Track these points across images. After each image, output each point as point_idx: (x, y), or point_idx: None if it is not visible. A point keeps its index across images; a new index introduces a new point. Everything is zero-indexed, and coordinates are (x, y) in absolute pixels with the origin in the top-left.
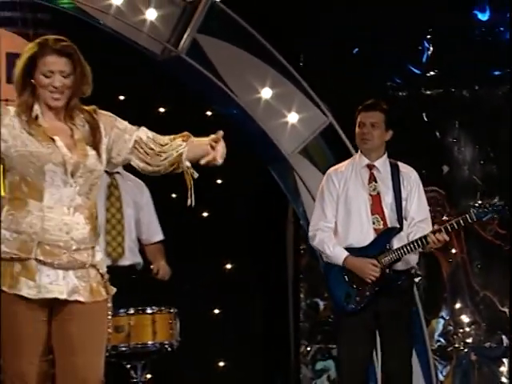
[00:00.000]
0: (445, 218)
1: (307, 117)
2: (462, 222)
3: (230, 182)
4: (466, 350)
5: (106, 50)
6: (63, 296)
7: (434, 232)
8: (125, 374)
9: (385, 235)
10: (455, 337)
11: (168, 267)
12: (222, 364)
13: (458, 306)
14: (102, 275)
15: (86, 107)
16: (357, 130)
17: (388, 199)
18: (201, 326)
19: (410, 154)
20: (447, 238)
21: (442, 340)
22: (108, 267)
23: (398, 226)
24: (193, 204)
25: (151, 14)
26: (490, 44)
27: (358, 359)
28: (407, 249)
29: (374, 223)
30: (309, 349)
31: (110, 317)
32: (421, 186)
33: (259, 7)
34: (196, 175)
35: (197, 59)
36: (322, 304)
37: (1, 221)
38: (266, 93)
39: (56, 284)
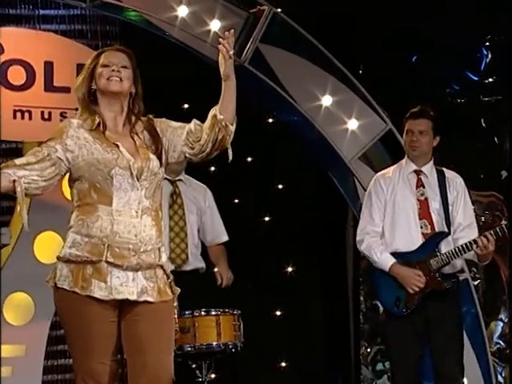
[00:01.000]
0: (503, 222)
1: (367, 123)
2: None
3: (291, 187)
4: None
5: (172, 60)
6: (133, 297)
7: (484, 236)
8: (190, 374)
9: (433, 240)
10: None
11: (231, 272)
12: (283, 364)
13: None
14: (167, 275)
15: (143, 118)
16: (404, 137)
17: (435, 204)
18: (263, 327)
19: (468, 160)
20: (493, 243)
21: (500, 342)
22: (173, 271)
23: (446, 230)
24: (230, 158)
25: (215, 25)
26: None
27: (409, 363)
28: (456, 252)
29: (421, 228)
30: (369, 350)
31: (175, 316)
32: (466, 191)
33: (319, 17)
34: (232, 128)
35: (259, 68)
36: (381, 306)
37: (71, 226)
38: (327, 100)
39: (126, 285)
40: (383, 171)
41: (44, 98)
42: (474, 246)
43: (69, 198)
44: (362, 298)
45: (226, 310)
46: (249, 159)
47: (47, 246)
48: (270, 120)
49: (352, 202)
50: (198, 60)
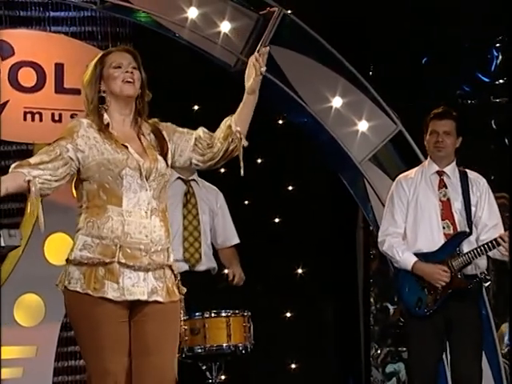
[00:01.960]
0: None
1: (377, 125)
2: None
3: (301, 189)
4: None
5: (181, 61)
6: (144, 297)
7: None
8: (200, 375)
9: (455, 239)
10: None
11: (242, 273)
12: (293, 366)
13: None
14: (175, 276)
15: (149, 121)
16: (428, 137)
17: (457, 205)
18: (274, 329)
19: (479, 161)
20: None
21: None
22: (185, 272)
23: (468, 230)
24: (242, 173)
25: (225, 27)
26: None
27: (429, 364)
28: (478, 252)
29: (444, 228)
30: (379, 351)
31: (182, 316)
32: (490, 191)
33: (329, 18)
34: (246, 143)
35: (269, 69)
36: (391, 308)
37: (80, 228)
38: (337, 102)
39: (138, 286)
40: (405, 173)
41: (54, 100)
42: (497, 245)
43: None
44: (372, 300)
45: (236, 311)
46: (259, 161)
47: (58, 248)
48: (281, 121)
49: (362, 204)
50: (208, 61)
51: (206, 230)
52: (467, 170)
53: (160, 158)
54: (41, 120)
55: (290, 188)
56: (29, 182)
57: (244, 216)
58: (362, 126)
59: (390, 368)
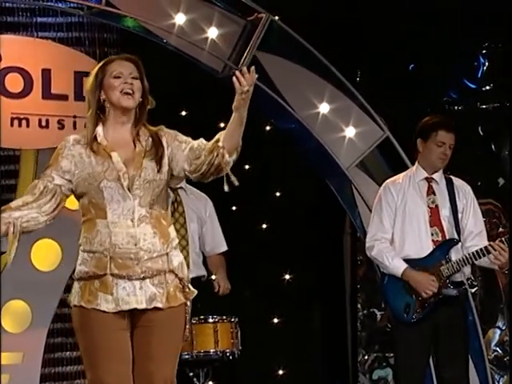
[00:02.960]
0: (501, 229)
1: (364, 131)
2: None
3: (288, 195)
4: None
5: (169, 67)
6: (142, 305)
7: (500, 241)
8: (188, 382)
9: (443, 247)
10: None
11: (228, 282)
12: (281, 372)
13: None
14: (180, 279)
15: (153, 128)
16: (434, 147)
17: (445, 212)
18: (261, 335)
19: (466, 167)
20: (506, 249)
21: (498, 350)
22: None
23: (457, 237)
24: (226, 189)
25: (213, 33)
26: None
27: (416, 369)
28: (467, 259)
29: (432, 235)
30: (366, 357)
31: (189, 319)
32: (475, 199)
33: (317, 24)
34: (230, 160)
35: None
36: (378, 314)
37: (80, 244)
38: (324, 108)
39: (134, 295)
40: (393, 178)
41: (41, 106)
42: (487, 253)
43: (66, 206)
44: (359, 306)
45: (224, 317)
46: (246, 167)
47: (44, 254)
48: (268, 128)
49: (349, 210)
50: (195, 67)
51: (195, 238)
52: (452, 177)
53: (149, 164)
54: (28, 126)
55: (278, 194)
56: (8, 223)
57: (231, 222)
58: (349, 132)
59: (377, 374)
